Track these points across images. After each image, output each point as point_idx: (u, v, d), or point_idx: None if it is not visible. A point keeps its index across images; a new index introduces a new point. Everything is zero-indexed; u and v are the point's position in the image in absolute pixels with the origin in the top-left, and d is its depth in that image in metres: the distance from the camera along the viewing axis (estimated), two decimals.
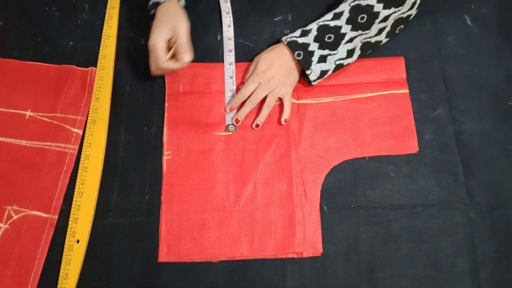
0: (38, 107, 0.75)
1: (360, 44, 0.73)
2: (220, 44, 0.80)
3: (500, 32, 0.80)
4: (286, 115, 0.72)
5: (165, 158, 0.72)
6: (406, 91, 0.76)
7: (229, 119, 0.74)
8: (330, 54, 0.72)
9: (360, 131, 0.73)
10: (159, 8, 0.73)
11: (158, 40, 0.69)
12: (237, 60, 0.78)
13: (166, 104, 0.76)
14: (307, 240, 0.67)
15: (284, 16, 0.82)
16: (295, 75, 0.74)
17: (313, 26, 0.72)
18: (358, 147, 0.72)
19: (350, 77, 0.76)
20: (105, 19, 0.82)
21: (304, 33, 0.71)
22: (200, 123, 0.74)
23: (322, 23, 0.71)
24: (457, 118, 0.74)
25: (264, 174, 0.71)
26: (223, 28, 0.81)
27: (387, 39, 0.75)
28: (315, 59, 0.71)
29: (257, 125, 0.73)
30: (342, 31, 0.71)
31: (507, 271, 0.65)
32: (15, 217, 0.68)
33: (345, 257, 0.67)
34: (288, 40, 0.72)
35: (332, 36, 0.71)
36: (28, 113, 0.75)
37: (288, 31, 0.80)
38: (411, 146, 0.72)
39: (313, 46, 0.71)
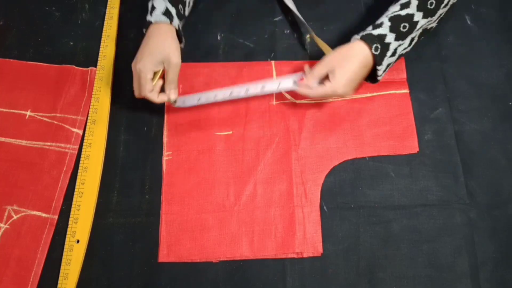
0: (38, 107, 0.75)
1: (421, 31, 0.70)
2: (220, 44, 0.80)
3: (500, 32, 0.80)
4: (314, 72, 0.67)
5: (165, 158, 0.72)
6: (406, 91, 0.76)
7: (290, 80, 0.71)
8: (400, 45, 0.68)
9: (360, 131, 0.73)
10: (151, 28, 0.67)
11: (147, 68, 0.65)
12: (237, 60, 0.79)
13: (166, 104, 0.76)
14: (307, 240, 0.67)
15: (284, 16, 0.82)
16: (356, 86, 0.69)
17: (384, 20, 0.67)
18: (358, 147, 0.72)
19: None
20: (105, 19, 0.82)
21: (377, 26, 0.67)
22: (200, 123, 0.74)
23: (391, 15, 0.68)
24: (457, 118, 0.74)
25: (264, 174, 0.71)
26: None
27: (436, 24, 0.72)
28: (389, 53, 0.67)
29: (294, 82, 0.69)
30: (415, 19, 0.67)
31: (507, 271, 0.65)
32: (15, 217, 0.68)
33: (345, 257, 0.67)
34: (362, 34, 0.67)
35: (407, 25, 0.67)
36: (28, 113, 0.75)
37: (288, 31, 0.80)
38: (411, 146, 0.72)
39: (390, 38, 0.66)
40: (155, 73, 0.67)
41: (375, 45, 0.66)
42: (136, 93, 0.68)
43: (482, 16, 0.81)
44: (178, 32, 0.68)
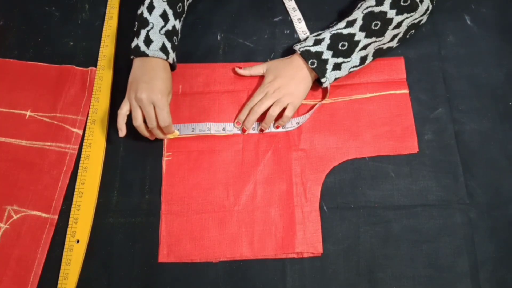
0: (38, 107, 0.75)
1: (373, 51, 0.73)
2: (220, 44, 0.80)
3: (500, 32, 0.80)
4: (281, 122, 0.72)
5: (165, 158, 0.72)
6: (406, 91, 0.76)
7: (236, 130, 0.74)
8: (344, 62, 0.71)
9: (360, 131, 0.73)
10: (148, 60, 0.67)
11: (166, 98, 0.66)
12: (237, 60, 0.79)
13: None
14: (307, 240, 0.67)
15: (284, 16, 0.82)
16: (305, 85, 0.72)
17: (326, 35, 0.71)
18: (358, 147, 0.72)
19: (350, 77, 0.76)
20: (105, 19, 0.82)
21: (317, 42, 0.71)
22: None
23: (335, 32, 0.71)
24: (457, 118, 0.74)
25: (264, 174, 0.71)
26: (290, 12, 0.82)
27: (397, 44, 0.75)
28: (329, 66, 0.71)
29: (261, 130, 0.73)
30: (356, 38, 0.70)
31: (507, 271, 0.65)
32: (15, 217, 0.68)
33: (345, 257, 0.67)
34: (301, 49, 0.71)
35: (346, 43, 0.70)
36: (28, 113, 0.75)
37: (288, 31, 0.80)
38: (411, 146, 0.72)
39: (327, 54, 0.71)
40: None
41: (311, 60, 0.71)
42: (152, 124, 0.67)
43: (482, 16, 0.81)
44: (172, 64, 0.71)
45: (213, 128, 0.73)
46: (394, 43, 0.74)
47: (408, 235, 0.67)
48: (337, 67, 0.71)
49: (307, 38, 0.74)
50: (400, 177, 0.71)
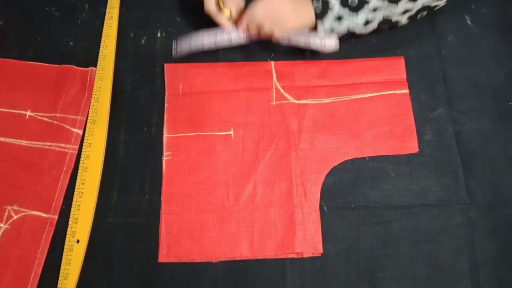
0: (38, 107, 0.75)
1: (381, 19, 0.71)
2: None
3: (500, 32, 0.80)
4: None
5: (164, 158, 0.72)
6: (406, 91, 0.76)
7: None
8: (348, 16, 0.69)
9: (360, 131, 0.73)
10: None
11: None
12: (237, 60, 0.78)
13: (166, 104, 0.76)
14: (307, 240, 0.67)
15: None
16: (299, 19, 0.70)
17: None
18: (358, 147, 0.72)
19: (350, 77, 0.76)
20: (105, 19, 0.82)
21: None
22: (199, 123, 0.74)
23: None
24: (457, 118, 0.74)
25: (264, 174, 0.71)
26: None
27: (406, 22, 0.73)
28: (331, 13, 0.69)
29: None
30: None
31: (507, 271, 0.65)
32: (15, 217, 0.68)
33: (345, 257, 0.67)
34: None
35: (356, 0, 0.68)
36: (28, 113, 0.75)
37: None
38: (411, 146, 0.72)
39: (334, 1, 0.68)
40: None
41: (316, 4, 0.68)
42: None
43: (482, 16, 0.81)
44: None
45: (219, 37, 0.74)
46: (403, 19, 0.72)
47: (408, 235, 0.67)
48: (338, 18, 0.69)
49: None
50: (400, 177, 0.71)
